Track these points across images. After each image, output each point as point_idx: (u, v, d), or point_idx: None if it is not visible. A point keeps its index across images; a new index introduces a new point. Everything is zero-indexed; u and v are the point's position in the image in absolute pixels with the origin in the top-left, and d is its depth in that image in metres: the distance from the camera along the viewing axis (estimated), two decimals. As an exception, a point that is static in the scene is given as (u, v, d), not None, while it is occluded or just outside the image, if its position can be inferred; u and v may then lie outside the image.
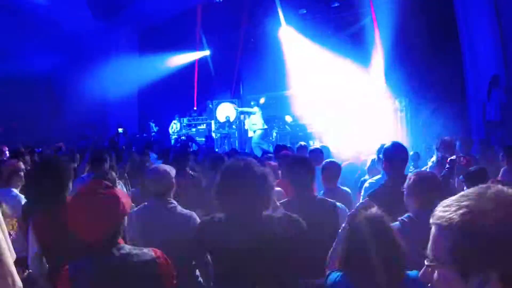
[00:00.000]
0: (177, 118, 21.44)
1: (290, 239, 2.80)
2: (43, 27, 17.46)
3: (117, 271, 2.44)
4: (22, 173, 5.34)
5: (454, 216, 1.25)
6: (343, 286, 2.58)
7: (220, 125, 20.45)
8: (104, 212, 2.47)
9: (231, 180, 2.85)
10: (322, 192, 5.33)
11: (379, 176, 5.54)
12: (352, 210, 3.32)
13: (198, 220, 3.84)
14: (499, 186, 1.30)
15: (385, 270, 2.36)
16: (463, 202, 1.27)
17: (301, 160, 4.31)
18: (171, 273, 2.68)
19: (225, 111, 20.80)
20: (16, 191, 5.22)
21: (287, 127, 18.08)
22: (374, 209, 2.65)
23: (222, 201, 2.89)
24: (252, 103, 17.87)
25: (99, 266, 2.44)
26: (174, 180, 4.00)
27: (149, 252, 2.63)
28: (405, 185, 3.56)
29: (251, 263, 2.70)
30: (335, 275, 2.66)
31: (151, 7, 19.63)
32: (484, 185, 1.32)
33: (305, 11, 19.62)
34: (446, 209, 1.29)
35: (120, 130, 18.67)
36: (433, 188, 3.43)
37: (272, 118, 18.60)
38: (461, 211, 1.25)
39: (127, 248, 2.59)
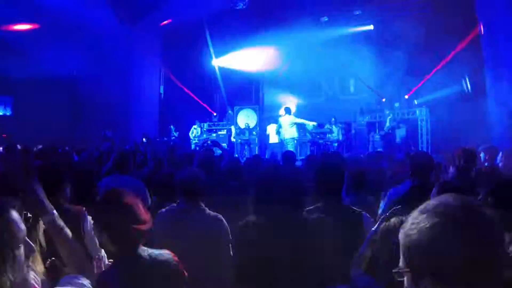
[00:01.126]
0: (197, 123, 21.55)
1: (321, 243, 2.84)
2: (68, 30, 17.63)
3: (143, 274, 2.54)
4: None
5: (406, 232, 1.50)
6: None
7: (241, 131, 20.43)
8: (119, 222, 2.59)
9: (268, 184, 2.89)
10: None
11: (403, 183, 5.45)
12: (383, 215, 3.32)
13: (225, 222, 3.90)
14: (446, 198, 1.52)
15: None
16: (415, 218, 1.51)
17: (332, 164, 4.31)
18: (184, 273, 2.81)
19: (246, 117, 20.86)
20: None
21: (307, 134, 18.03)
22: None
23: (259, 204, 2.94)
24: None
25: (125, 273, 2.55)
26: (203, 183, 4.05)
27: (166, 252, 2.76)
28: (432, 192, 3.56)
29: (285, 267, 2.74)
30: (365, 280, 2.68)
31: (176, 11, 19.75)
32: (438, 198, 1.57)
33: (326, 19, 19.65)
34: (404, 226, 1.55)
35: (144, 140, 18.75)
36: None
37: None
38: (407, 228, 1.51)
39: (148, 250, 2.70)
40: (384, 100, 19.00)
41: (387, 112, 17.08)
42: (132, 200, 2.74)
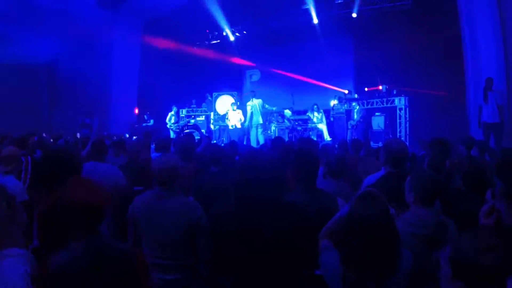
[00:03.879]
0: (174, 109, 21.27)
1: (302, 229, 2.84)
2: (46, 13, 17.35)
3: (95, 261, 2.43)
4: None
5: None
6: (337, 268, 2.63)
7: (220, 118, 20.37)
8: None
9: (251, 170, 2.87)
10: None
11: (379, 172, 5.45)
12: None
13: (200, 207, 3.90)
14: None
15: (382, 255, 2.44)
16: None
17: (307, 152, 4.28)
18: (146, 268, 2.67)
19: (225, 103, 20.74)
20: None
21: (286, 121, 18.07)
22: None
23: (240, 190, 2.91)
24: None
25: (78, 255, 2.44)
26: (179, 170, 4.00)
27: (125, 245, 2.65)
28: (407, 181, 3.59)
29: (267, 253, 2.73)
30: (332, 254, 2.71)
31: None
32: None
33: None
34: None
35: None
36: (435, 186, 3.50)
37: (270, 112, 18.53)
38: None
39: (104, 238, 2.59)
40: (347, 92, 18.96)
41: (354, 104, 17.16)
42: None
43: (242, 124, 18.06)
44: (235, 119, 18.31)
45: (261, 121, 17.44)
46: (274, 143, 8.75)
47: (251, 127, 17.46)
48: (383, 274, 2.44)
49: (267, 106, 17.62)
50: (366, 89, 18.84)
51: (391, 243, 2.48)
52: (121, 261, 2.38)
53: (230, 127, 18.53)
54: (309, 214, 3.00)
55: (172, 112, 21.16)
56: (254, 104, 17.41)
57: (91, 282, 1.87)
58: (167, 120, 21.06)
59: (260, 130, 17.39)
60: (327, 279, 2.72)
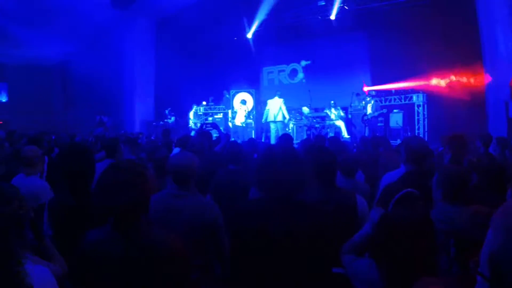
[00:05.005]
0: (195, 108, 21.40)
1: (322, 227, 2.77)
2: (61, 15, 17.46)
3: (135, 250, 2.40)
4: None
5: None
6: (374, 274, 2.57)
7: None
8: (128, 185, 2.42)
9: (270, 165, 2.79)
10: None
11: (397, 169, 5.35)
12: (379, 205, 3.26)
13: (216, 207, 3.84)
14: None
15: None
16: None
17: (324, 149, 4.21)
18: (187, 256, 2.63)
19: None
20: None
21: (304, 118, 18.01)
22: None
23: (261, 186, 2.85)
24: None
25: (116, 241, 2.42)
26: (196, 168, 3.91)
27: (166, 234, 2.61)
28: (434, 178, 3.52)
29: (286, 252, 2.66)
30: (364, 262, 2.64)
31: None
32: None
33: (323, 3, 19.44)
34: None
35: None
36: (463, 183, 3.44)
37: (289, 109, 18.45)
38: None
39: (146, 226, 2.53)
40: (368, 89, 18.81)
41: (368, 99, 16.97)
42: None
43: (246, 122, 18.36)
44: (241, 116, 18.57)
45: (281, 119, 17.50)
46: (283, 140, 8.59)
47: (273, 123, 17.55)
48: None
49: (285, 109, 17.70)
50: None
51: (433, 244, 2.43)
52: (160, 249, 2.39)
53: (241, 125, 18.71)
54: (328, 215, 2.91)
55: (194, 110, 21.21)
56: (277, 102, 17.52)
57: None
58: (191, 118, 21.13)
59: (280, 127, 17.42)
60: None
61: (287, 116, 17.68)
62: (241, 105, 20.05)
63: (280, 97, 17.62)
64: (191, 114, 21.28)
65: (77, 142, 8.36)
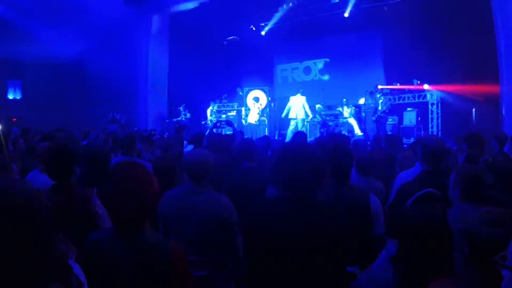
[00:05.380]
0: (212, 105, 21.39)
1: (338, 231, 2.73)
2: (74, 13, 17.53)
3: (136, 254, 2.43)
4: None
5: None
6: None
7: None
8: (132, 192, 2.44)
9: (287, 163, 2.75)
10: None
11: (413, 168, 5.24)
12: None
13: (231, 204, 3.84)
14: None
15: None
16: None
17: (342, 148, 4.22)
18: (185, 264, 2.63)
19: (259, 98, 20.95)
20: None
21: (317, 116, 18.00)
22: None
23: (277, 184, 2.81)
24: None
25: (119, 244, 2.47)
26: (211, 165, 3.92)
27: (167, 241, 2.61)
28: (451, 177, 3.52)
29: (303, 251, 2.60)
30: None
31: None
32: None
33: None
34: None
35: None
36: (481, 182, 3.44)
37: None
38: None
39: (149, 233, 2.54)
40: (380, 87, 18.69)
41: (378, 95, 16.85)
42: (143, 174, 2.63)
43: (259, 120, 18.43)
44: (255, 114, 18.66)
45: (304, 116, 17.77)
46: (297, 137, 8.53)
47: (294, 120, 17.77)
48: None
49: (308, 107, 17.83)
50: (398, 85, 18.58)
51: (451, 244, 2.41)
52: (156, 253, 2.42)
53: (254, 123, 18.78)
54: (344, 216, 2.86)
55: (211, 108, 21.26)
56: (299, 99, 17.70)
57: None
58: (208, 115, 21.18)
59: (301, 124, 17.63)
60: None
61: (310, 115, 17.82)
62: (254, 102, 20.11)
63: (302, 94, 17.82)
64: (208, 111, 21.27)
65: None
